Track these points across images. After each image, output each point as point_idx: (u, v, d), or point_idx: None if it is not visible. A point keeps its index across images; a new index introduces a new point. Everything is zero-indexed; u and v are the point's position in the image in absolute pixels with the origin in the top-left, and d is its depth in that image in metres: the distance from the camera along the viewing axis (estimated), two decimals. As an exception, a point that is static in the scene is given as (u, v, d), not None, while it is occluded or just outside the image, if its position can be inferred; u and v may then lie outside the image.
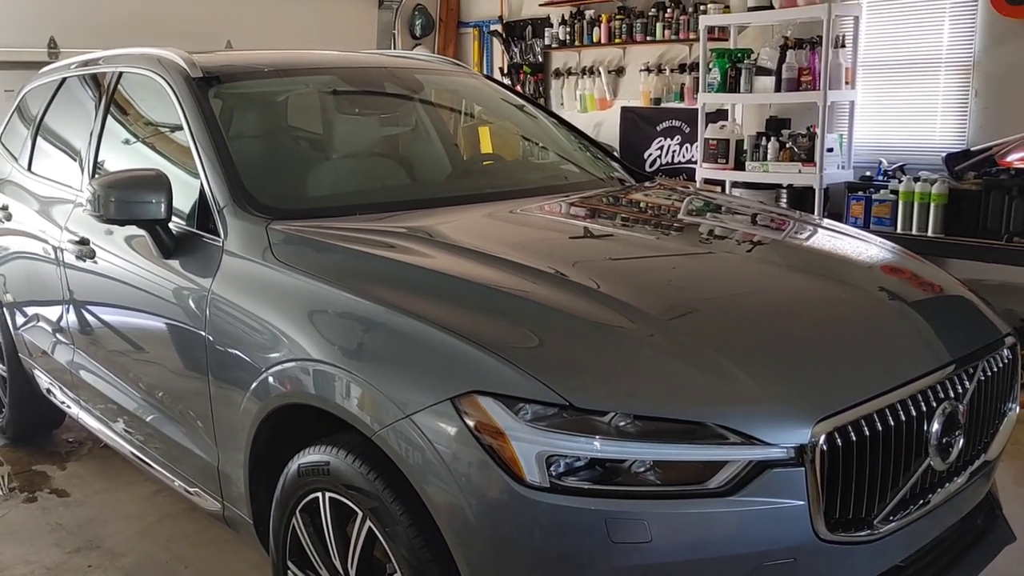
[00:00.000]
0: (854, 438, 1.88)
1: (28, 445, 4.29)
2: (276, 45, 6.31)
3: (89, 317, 3.32)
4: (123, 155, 3.41)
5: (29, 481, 3.91)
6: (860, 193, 5.95)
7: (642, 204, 3.20)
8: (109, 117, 3.48)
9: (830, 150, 6.16)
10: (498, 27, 9.19)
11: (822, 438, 1.83)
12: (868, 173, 6.23)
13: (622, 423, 1.81)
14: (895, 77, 6.30)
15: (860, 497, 1.91)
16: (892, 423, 1.95)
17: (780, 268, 2.58)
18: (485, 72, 8.63)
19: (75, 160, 3.62)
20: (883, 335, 2.23)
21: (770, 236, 2.94)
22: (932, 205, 5.53)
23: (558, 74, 8.71)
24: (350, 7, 7.75)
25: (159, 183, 2.68)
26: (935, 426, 2.04)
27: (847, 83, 6.25)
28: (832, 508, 1.87)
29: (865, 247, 2.85)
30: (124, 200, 2.65)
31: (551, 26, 8.59)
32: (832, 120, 6.32)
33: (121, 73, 3.49)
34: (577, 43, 8.31)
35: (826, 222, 3.29)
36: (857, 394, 1.93)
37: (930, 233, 5.53)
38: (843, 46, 6.21)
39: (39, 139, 4.02)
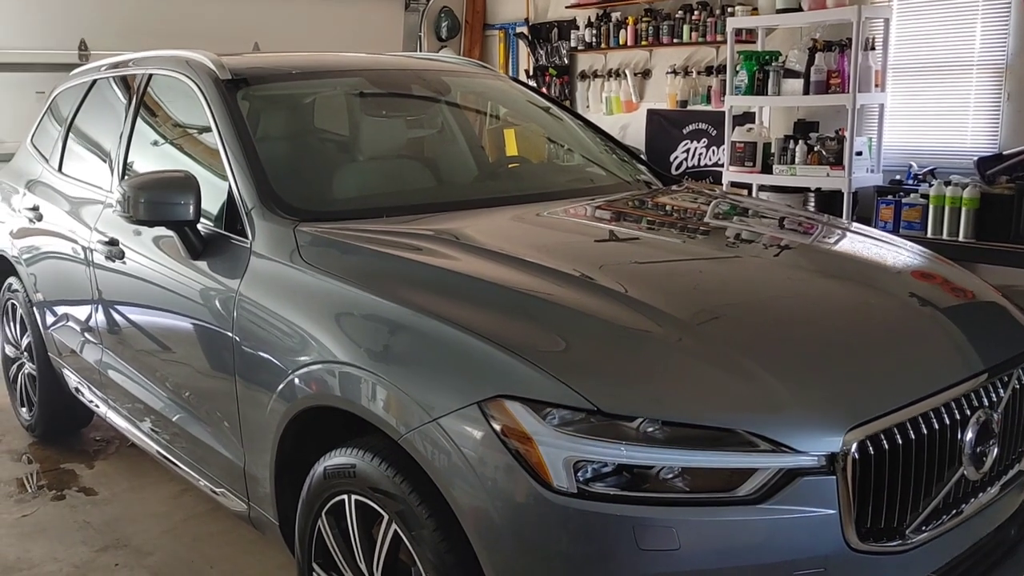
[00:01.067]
0: (886, 446, 1.85)
1: (56, 443, 4.33)
2: (303, 47, 6.34)
3: (118, 317, 3.35)
4: (152, 156, 3.43)
5: (57, 479, 3.95)
6: (890, 197, 5.90)
7: (669, 208, 3.18)
8: (139, 118, 3.50)
9: (859, 153, 6.10)
10: (524, 29, 9.19)
11: (854, 446, 1.80)
12: (898, 177, 6.17)
13: (650, 429, 1.79)
14: (926, 80, 6.23)
15: (892, 506, 1.88)
16: (925, 431, 1.92)
17: (809, 273, 2.55)
18: (511, 74, 8.63)
19: (105, 161, 3.65)
20: (915, 342, 2.20)
21: (799, 240, 2.91)
22: (963, 209, 5.46)
23: (584, 76, 8.70)
24: (377, 9, 7.78)
25: (188, 185, 2.69)
26: (969, 435, 2.01)
27: (877, 86, 6.19)
28: (863, 517, 1.84)
29: (895, 252, 2.82)
30: (153, 201, 2.67)
31: (577, 28, 8.57)
32: (861, 123, 6.26)
33: (151, 75, 3.52)
34: (603, 45, 8.29)
35: (855, 226, 3.25)
36: (889, 402, 1.90)
37: (961, 238, 5.47)
38: (873, 48, 6.16)
39: (69, 140, 4.06)
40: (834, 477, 1.78)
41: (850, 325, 2.20)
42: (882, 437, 1.85)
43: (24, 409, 4.45)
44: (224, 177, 2.81)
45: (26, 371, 4.37)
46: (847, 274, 2.59)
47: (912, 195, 5.80)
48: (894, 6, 6.28)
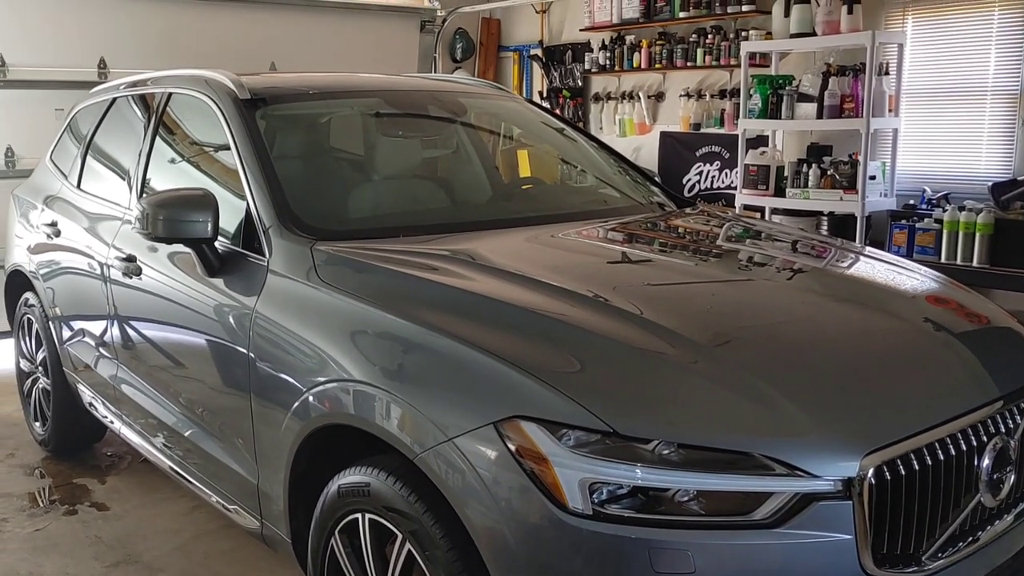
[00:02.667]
0: (903, 472, 1.85)
1: (69, 458, 4.34)
2: (319, 67, 6.38)
3: (134, 333, 3.37)
4: (171, 174, 3.46)
5: (70, 494, 3.96)
6: (903, 222, 5.90)
7: (683, 230, 3.18)
8: (158, 137, 3.54)
9: (872, 178, 6.11)
10: (538, 51, 9.25)
11: (870, 471, 1.80)
12: (911, 201, 6.18)
13: (666, 451, 1.79)
14: (940, 105, 6.25)
15: (908, 532, 1.87)
16: (941, 458, 1.91)
17: (824, 297, 2.56)
18: (525, 96, 8.68)
19: (123, 178, 3.68)
20: (931, 368, 2.20)
21: (814, 264, 2.91)
22: (977, 235, 5.46)
23: (597, 98, 8.74)
24: (392, 30, 7.82)
25: (206, 203, 2.71)
26: (985, 462, 2.00)
27: (890, 110, 6.21)
28: (880, 543, 1.83)
29: (909, 276, 2.81)
30: (172, 219, 2.69)
31: (591, 51, 8.63)
32: (875, 147, 6.27)
33: (170, 94, 3.55)
34: (617, 68, 8.34)
35: (868, 250, 3.25)
36: (906, 427, 1.90)
37: (975, 263, 5.46)
38: (887, 73, 6.18)
39: (88, 157, 4.10)
40: (850, 502, 1.78)
41: (865, 350, 2.20)
42: (899, 463, 1.85)
43: (38, 423, 4.47)
44: (242, 195, 2.83)
45: (40, 386, 4.40)
46: (862, 298, 2.58)
47: (926, 220, 5.80)
48: (908, 31, 6.31)
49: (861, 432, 1.86)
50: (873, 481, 1.80)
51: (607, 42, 8.44)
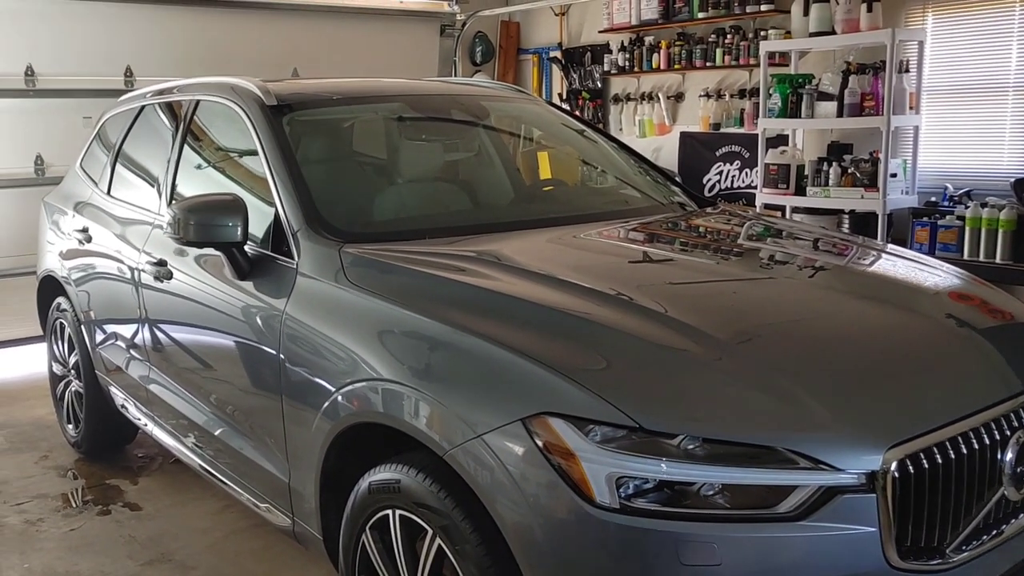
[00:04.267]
0: (926, 465, 1.87)
1: (101, 460, 4.42)
2: (341, 73, 6.46)
3: (165, 335, 3.43)
4: (200, 180, 3.53)
5: (103, 495, 4.03)
6: (925, 219, 5.88)
7: (706, 229, 3.21)
8: (186, 143, 3.61)
9: (893, 175, 6.10)
10: (557, 54, 9.28)
11: (894, 464, 1.82)
12: (933, 199, 6.16)
13: (691, 446, 1.83)
14: (961, 101, 6.22)
15: (932, 525, 1.90)
16: (965, 451, 1.94)
17: (846, 294, 2.58)
18: (544, 98, 8.71)
19: (153, 185, 3.75)
20: (953, 363, 2.22)
21: (835, 262, 2.93)
22: (1000, 231, 5.44)
23: (617, 100, 8.76)
24: (412, 35, 7.89)
25: (236, 207, 2.77)
26: (1009, 455, 2.02)
27: (911, 108, 6.19)
28: (904, 535, 1.86)
29: (931, 273, 2.83)
30: (203, 223, 2.75)
31: (610, 52, 8.65)
32: (896, 145, 6.26)
33: (198, 101, 3.62)
34: (636, 69, 8.36)
35: (890, 247, 3.27)
36: (929, 421, 1.93)
37: (998, 260, 5.44)
38: (907, 71, 6.17)
39: (118, 164, 4.18)
40: (874, 495, 1.81)
41: (888, 346, 2.22)
42: (922, 456, 1.87)
43: (70, 426, 4.56)
44: (270, 200, 2.89)
45: (73, 389, 4.48)
46: (883, 295, 2.61)
47: (948, 217, 5.78)
48: (928, 29, 6.29)
49: (884, 426, 1.88)
50: (897, 474, 1.83)
51: (626, 43, 8.46)
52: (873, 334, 2.28)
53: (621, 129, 8.63)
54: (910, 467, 1.85)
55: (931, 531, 1.90)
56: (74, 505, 3.94)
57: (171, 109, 3.90)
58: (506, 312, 2.23)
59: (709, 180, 7.80)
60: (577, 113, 8.71)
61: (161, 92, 4.04)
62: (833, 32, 6.36)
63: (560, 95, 9.28)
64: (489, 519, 1.97)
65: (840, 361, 2.10)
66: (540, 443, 1.88)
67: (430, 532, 2.11)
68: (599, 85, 8.90)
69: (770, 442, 1.83)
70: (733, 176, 7.68)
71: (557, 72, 9.37)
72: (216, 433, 3.13)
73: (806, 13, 6.52)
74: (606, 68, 8.70)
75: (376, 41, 7.55)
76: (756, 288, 2.59)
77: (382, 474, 2.24)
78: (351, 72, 6.58)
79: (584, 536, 1.83)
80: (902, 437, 1.86)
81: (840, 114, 6.26)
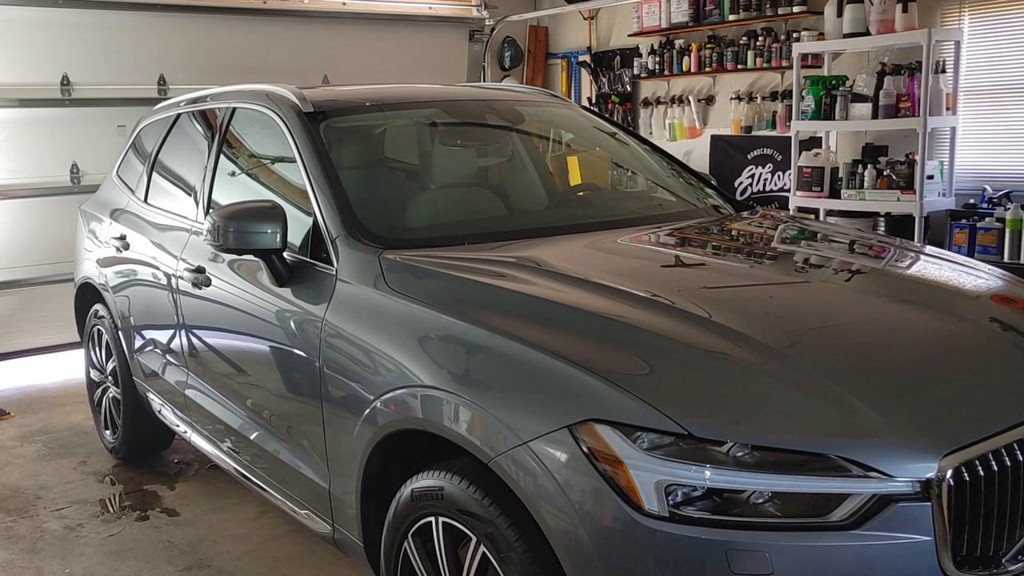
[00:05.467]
0: (981, 473, 1.83)
1: (139, 465, 4.45)
2: (370, 79, 6.47)
3: (204, 342, 3.45)
4: (237, 187, 3.54)
5: (141, 500, 4.06)
6: (963, 221, 5.80)
7: (746, 233, 3.18)
8: (223, 151, 3.62)
9: (930, 177, 6.03)
10: (586, 58, 9.27)
11: (949, 472, 1.79)
12: (971, 201, 6.07)
13: (740, 453, 1.80)
14: (999, 102, 6.14)
15: (988, 534, 1.86)
16: (1021, 458, 1.89)
17: (894, 299, 2.53)
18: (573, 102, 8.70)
19: (190, 192, 3.77)
20: (1003, 367, 2.18)
21: (881, 266, 2.89)
22: (1041, 233, 5.35)
23: (647, 103, 8.73)
24: (442, 41, 7.90)
25: (275, 214, 2.78)
26: (1066, 463, 1.97)
27: (948, 109, 6.12)
28: (959, 545, 1.82)
29: (974, 275, 2.78)
30: (242, 230, 2.76)
31: (640, 56, 8.62)
32: (932, 147, 6.19)
33: (234, 109, 3.63)
34: (666, 72, 8.32)
35: (930, 249, 3.22)
36: (984, 428, 1.89)
37: (1039, 262, 5.35)
38: (943, 71, 6.09)
39: (155, 172, 4.21)
40: (929, 504, 1.77)
41: (935, 350, 2.19)
42: (977, 464, 1.83)
43: (108, 432, 4.60)
44: (307, 206, 2.90)
45: (111, 395, 4.52)
46: (928, 298, 2.56)
47: (987, 219, 5.70)
48: (965, 29, 6.21)
49: (938, 433, 1.85)
50: (952, 482, 1.79)
51: (656, 47, 8.43)
52: (920, 338, 2.24)
53: (651, 133, 8.59)
54: (965, 475, 1.81)
55: (987, 540, 1.86)
56: (112, 511, 3.97)
57: (206, 117, 3.93)
58: (548, 317, 2.21)
59: (741, 183, 7.74)
60: (606, 116, 8.68)
61: (195, 100, 4.07)
62: (867, 33, 6.29)
63: (589, 99, 9.26)
64: (534, 527, 1.95)
65: (889, 366, 2.06)
66: (587, 450, 1.86)
67: (474, 540, 2.10)
68: (628, 89, 8.87)
69: (821, 449, 1.80)
70: (765, 179, 7.62)
71: (586, 76, 9.35)
72: (253, 438, 3.14)
73: (840, 14, 6.46)
74: (636, 72, 8.67)
75: (405, 47, 7.57)
76: (799, 292, 2.55)
77: (425, 481, 2.23)
78: (381, 78, 6.59)
79: (632, 544, 1.81)
80: (957, 444, 1.83)
81: (875, 116, 6.20)
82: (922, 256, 3.06)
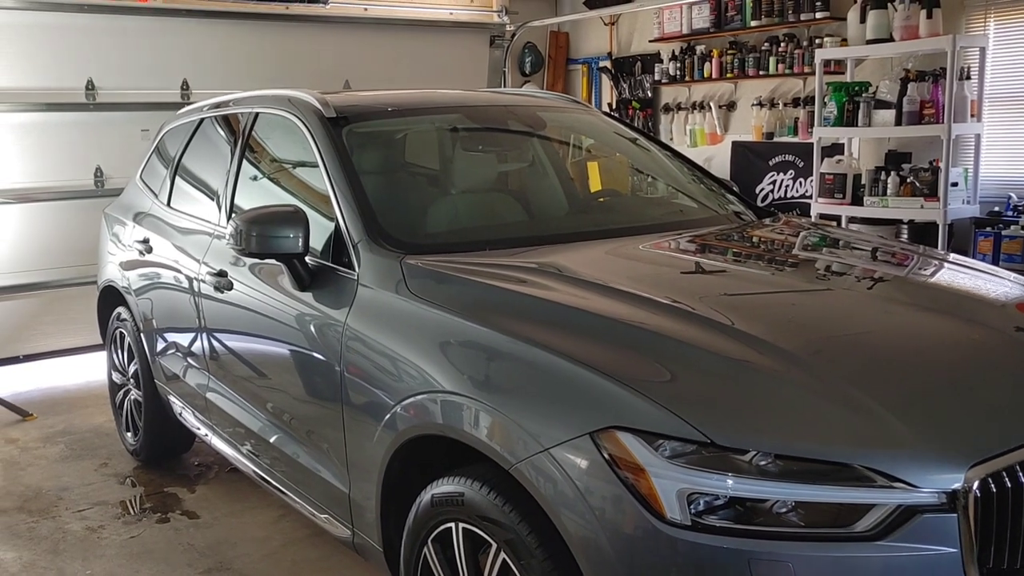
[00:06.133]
0: (1009, 485, 1.81)
1: (159, 468, 4.48)
2: (391, 84, 6.49)
3: (225, 345, 3.46)
4: (259, 192, 3.56)
5: (161, 502, 4.08)
6: (988, 229, 5.75)
7: (769, 240, 3.16)
8: (245, 155, 3.64)
9: (955, 184, 5.97)
10: (607, 63, 9.26)
11: (976, 484, 1.76)
12: (996, 208, 6.02)
13: (763, 462, 1.78)
14: (1024, 109, 6.08)
15: (1016, 547, 1.83)
16: (1050, 470, 1.87)
17: (918, 306, 2.51)
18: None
19: (213, 196, 3.80)
20: (1028, 378, 2.15)
21: (909, 275, 2.86)
22: (1068, 242, 5.29)
23: (667, 109, 8.71)
24: (462, 46, 7.92)
25: (297, 219, 2.79)
26: (1094, 475, 1.94)
27: (972, 115, 6.07)
28: (985, 557, 1.79)
29: (997, 284, 2.75)
30: (264, 235, 2.76)
31: (661, 62, 8.61)
32: (956, 153, 6.13)
33: (257, 114, 3.65)
34: (687, 78, 8.30)
35: (953, 257, 3.19)
36: (1012, 439, 1.86)
37: (1066, 271, 5.28)
38: (968, 78, 6.04)
39: (178, 176, 4.24)
40: (955, 515, 1.75)
41: (960, 359, 2.16)
42: (1004, 475, 1.81)
43: (129, 434, 4.62)
44: (329, 211, 2.90)
45: (132, 397, 4.54)
46: (953, 306, 2.53)
47: (1012, 227, 5.64)
48: (990, 35, 6.16)
49: (965, 443, 1.83)
50: (979, 493, 1.76)
51: (677, 53, 8.41)
52: (944, 347, 2.21)
53: (672, 139, 8.58)
54: (992, 486, 1.79)
55: (1014, 552, 1.83)
56: (133, 512, 3.99)
57: (229, 122, 3.95)
58: (569, 323, 2.21)
59: (762, 190, 7.71)
60: (627, 122, 8.67)
61: (218, 105, 4.09)
62: (891, 39, 6.25)
63: (609, 105, 9.26)
64: (555, 534, 1.94)
65: (914, 375, 2.04)
66: (608, 457, 1.85)
67: (494, 546, 2.09)
68: (649, 95, 8.86)
69: (845, 458, 1.78)
70: (787, 186, 7.58)
71: (606, 82, 9.35)
72: (273, 441, 3.15)
73: (863, 20, 6.42)
74: (657, 77, 8.66)
75: (426, 52, 7.59)
76: (822, 299, 2.54)
77: (445, 487, 2.23)
78: (402, 84, 6.62)
79: (654, 552, 1.79)
80: (984, 455, 1.80)
81: (899, 122, 6.15)
82: (946, 264, 3.03)
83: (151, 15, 6.38)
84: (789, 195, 7.57)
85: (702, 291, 2.48)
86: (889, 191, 6.22)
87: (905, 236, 6.17)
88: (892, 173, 6.24)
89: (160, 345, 4.10)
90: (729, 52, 7.90)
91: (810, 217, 6.67)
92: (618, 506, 1.83)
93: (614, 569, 1.84)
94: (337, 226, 2.84)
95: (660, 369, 1.99)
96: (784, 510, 1.78)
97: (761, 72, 7.67)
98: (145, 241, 4.21)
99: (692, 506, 1.78)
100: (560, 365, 2.03)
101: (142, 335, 4.27)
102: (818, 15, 7.09)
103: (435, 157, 3.59)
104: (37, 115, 5.98)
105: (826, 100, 6.58)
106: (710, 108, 8.20)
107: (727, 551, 1.74)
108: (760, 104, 7.79)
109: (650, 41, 8.64)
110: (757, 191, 7.70)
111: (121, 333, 4.57)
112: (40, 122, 6.00)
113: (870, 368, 2.04)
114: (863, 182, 6.44)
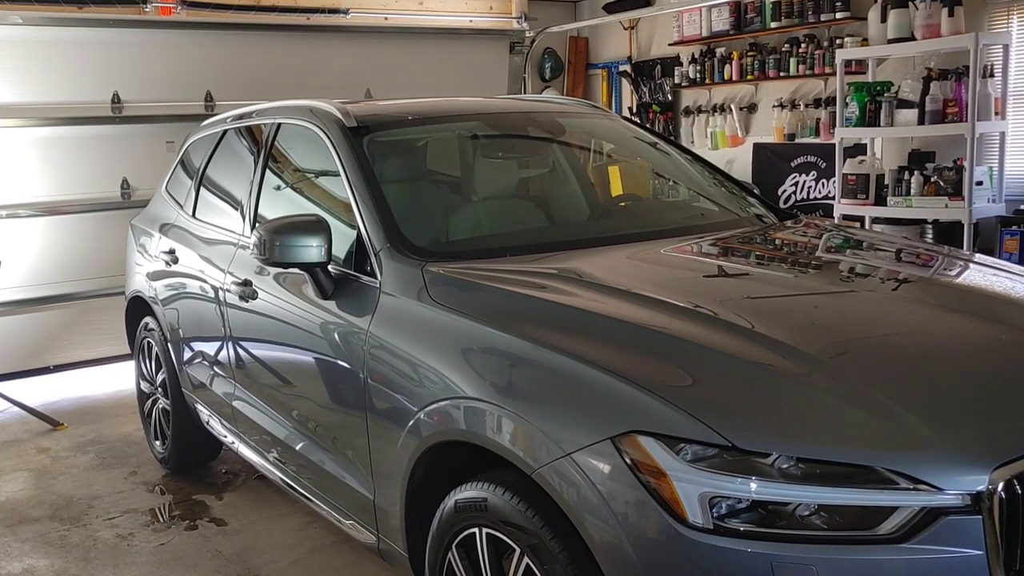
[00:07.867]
0: (1034, 486, 1.80)
1: (187, 475, 4.52)
2: (412, 92, 6.53)
3: (249, 354, 3.50)
4: (282, 202, 3.60)
5: (189, 510, 4.12)
6: (1015, 228, 5.69)
7: (791, 243, 3.15)
8: (268, 166, 3.68)
9: (979, 183, 5.92)
10: (627, 67, 9.25)
11: (1000, 485, 1.75)
12: (1022, 207, 5.95)
13: (785, 465, 1.79)
14: (1050, 106, 6.02)
15: (1042, 549, 1.82)
16: (1076, 472, 1.85)
17: (944, 307, 2.49)
18: (615, 112, 8.69)
19: (237, 207, 3.84)
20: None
21: (935, 276, 2.84)
22: (1096, 240, 5.23)
23: (688, 112, 8.69)
24: (482, 53, 7.96)
25: (320, 228, 2.81)
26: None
27: (997, 113, 6.01)
28: (1012, 559, 1.78)
29: (1022, 283, 2.72)
30: (287, 244, 2.79)
31: (681, 65, 8.60)
32: (981, 152, 6.07)
33: (280, 124, 3.69)
34: (708, 81, 8.28)
35: (979, 257, 3.16)
36: (1036, 440, 1.85)
37: (1094, 269, 5.22)
38: (992, 75, 5.98)
39: (202, 187, 4.29)
40: (980, 517, 1.74)
41: (985, 361, 2.15)
42: (1030, 477, 1.80)
43: (157, 442, 4.68)
44: (351, 220, 2.93)
45: (160, 406, 4.60)
46: (978, 307, 2.52)
47: (1039, 226, 5.59)
48: (1013, 32, 6.10)
49: (989, 445, 1.82)
50: (1004, 495, 1.75)
51: (697, 55, 8.39)
52: (969, 348, 2.20)
53: (692, 142, 8.56)
54: (1018, 488, 1.78)
55: (1041, 555, 1.82)
56: (162, 520, 4.04)
57: (252, 133, 3.99)
58: (590, 329, 2.22)
59: (784, 191, 7.67)
60: (647, 127, 8.66)
61: (241, 116, 4.14)
62: (913, 38, 6.21)
63: (630, 109, 9.25)
64: (579, 538, 1.95)
65: (938, 377, 2.03)
66: (630, 462, 1.86)
67: (518, 551, 2.10)
68: (669, 98, 8.84)
69: (868, 461, 1.78)
70: (809, 187, 7.54)
71: (626, 86, 9.35)
72: (299, 448, 3.18)
73: (884, 19, 6.39)
74: (677, 80, 8.64)
75: (446, 60, 7.63)
76: (845, 302, 2.53)
77: (468, 492, 2.24)
78: (422, 92, 6.66)
79: (677, 556, 1.80)
80: (1009, 456, 1.79)
81: (921, 121, 6.10)
82: (971, 264, 3.01)
83: (174, 28, 6.47)
84: (812, 196, 7.52)
85: (723, 295, 2.48)
86: (913, 191, 6.17)
87: (930, 236, 6.12)
88: (916, 173, 6.19)
89: (187, 354, 4.15)
90: (749, 54, 7.88)
91: (833, 218, 6.64)
92: (640, 510, 1.84)
93: (637, 573, 1.85)
94: (359, 234, 2.87)
95: (681, 373, 1.99)
96: (807, 513, 1.78)
97: (782, 73, 7.63)
98: (171, 252, 4.27)
99: (714, 510, 1.79)
100: (581, 370, 2.04)
101: (169, 345, 4.32)
102: (838, 15, 7.05)
103: (455, 165, 3.62)
104: (65, 129, 6.09)
105: (847, 100, 6.54)
106: (731, 110, 8.18)
107: (750, 555, 1.75)
108: (781, 105, 7.75)
109: (670, 44, 8.63)
110: (779, 193, 7.67)
111: (149, 343, 4.62)
112: (67, 136, 6.10)
113: (893, 370, 2.03)
114: (886, 182, 6.39)
